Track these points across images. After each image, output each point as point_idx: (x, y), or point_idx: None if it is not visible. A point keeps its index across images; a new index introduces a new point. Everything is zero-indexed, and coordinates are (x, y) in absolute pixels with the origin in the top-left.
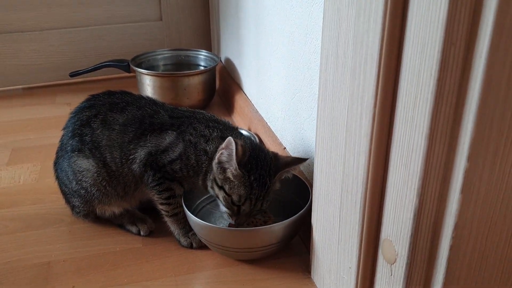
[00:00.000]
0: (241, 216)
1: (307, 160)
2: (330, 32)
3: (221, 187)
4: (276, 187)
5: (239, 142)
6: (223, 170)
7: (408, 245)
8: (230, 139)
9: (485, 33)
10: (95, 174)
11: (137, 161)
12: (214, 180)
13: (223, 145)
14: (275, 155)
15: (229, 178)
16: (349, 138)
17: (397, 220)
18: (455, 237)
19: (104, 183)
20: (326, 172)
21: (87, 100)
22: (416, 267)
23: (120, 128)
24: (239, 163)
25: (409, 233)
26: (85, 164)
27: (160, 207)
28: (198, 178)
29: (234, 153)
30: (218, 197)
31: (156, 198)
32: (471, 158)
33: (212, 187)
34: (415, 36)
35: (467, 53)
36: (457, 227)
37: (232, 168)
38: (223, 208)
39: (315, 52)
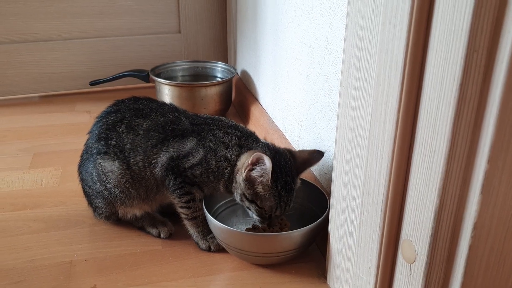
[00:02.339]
0: (273, 220)
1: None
2: (353, 42)
3: (252, 201)
4: (298, 185)
5: (268, 157)
6: (251, 185)
7: (428, 245)
8: (259, 155)
9: (507, 40)
10: (119, 176)
11: (159, 165)
12: (243, 195)
13: (249, 160)
14: (291, 154)
15: (259, 193)
16: (372, 142)
17: (418, 221)
18: (474, 237)
19: (127, 185)
20: (345, 178)
21: (113, 105)
22: (435, 266)
23: (144, 133)
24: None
25: (429, 233)
26: (110, 166)
27: (180, 210)
28: (219, 184)
29: (269, 171)
30: (249, 209)
31: (176, 201)
32: (491, 160)
33: (242, 200)
34: (439, 44)
35: (489, 59)
36: (476, 227)
37: (264, 181)
38: (253, 216)
39: (335, 63)
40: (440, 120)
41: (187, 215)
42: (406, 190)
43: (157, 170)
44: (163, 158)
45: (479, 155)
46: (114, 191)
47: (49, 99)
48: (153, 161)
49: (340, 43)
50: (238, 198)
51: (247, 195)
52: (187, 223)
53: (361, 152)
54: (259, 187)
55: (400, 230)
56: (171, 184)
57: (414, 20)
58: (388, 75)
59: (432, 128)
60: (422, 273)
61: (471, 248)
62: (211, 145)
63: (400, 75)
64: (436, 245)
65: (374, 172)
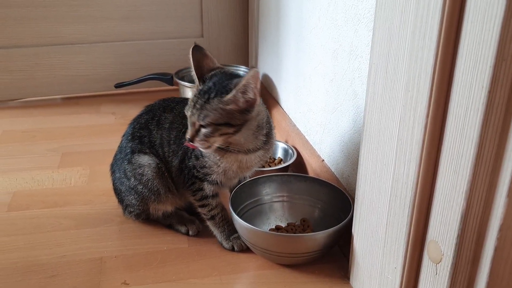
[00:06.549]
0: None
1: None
2: (380, 49)
3: None
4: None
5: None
6: None
7: (454, 246)
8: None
9: None
10: (158, 166)
11: (178, 161)
12: None
13: None
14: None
15: None
16: (400, 146)
17: (444, 222)
18: (500, 239)
19: (166, 174)
20: (371, 181)
21: (146, 107)
22: (461, 267)
23: (169, 126)
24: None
25: (455, 234)
26: (146, 160)
27: (199, 210)
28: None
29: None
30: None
31: (192, 200)
32: None
33: None
34: (468, 53)
35: None
36: (502, 229)
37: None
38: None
39: (359, 69)
40: (468, 125)
41: (205, 214)
42: (433, 193)
43: (175, 163)
44: (179, 156)
45: (506, 159)
46: (150, 184)
47: (75, 101)
48: (174, 157)
49: (365, 49)
50: None
51: None
52: (208, 224)
53: (389, 156)
54: None
55: (426, 231)
56: (186, 180)
57: (444, 30)
58: (417, 82)
59: (460, 133)
60: (448, 273)
61: (496, 249)
62: None
63: (429, 82)
64: (462, 246)
65: (402, 175)
